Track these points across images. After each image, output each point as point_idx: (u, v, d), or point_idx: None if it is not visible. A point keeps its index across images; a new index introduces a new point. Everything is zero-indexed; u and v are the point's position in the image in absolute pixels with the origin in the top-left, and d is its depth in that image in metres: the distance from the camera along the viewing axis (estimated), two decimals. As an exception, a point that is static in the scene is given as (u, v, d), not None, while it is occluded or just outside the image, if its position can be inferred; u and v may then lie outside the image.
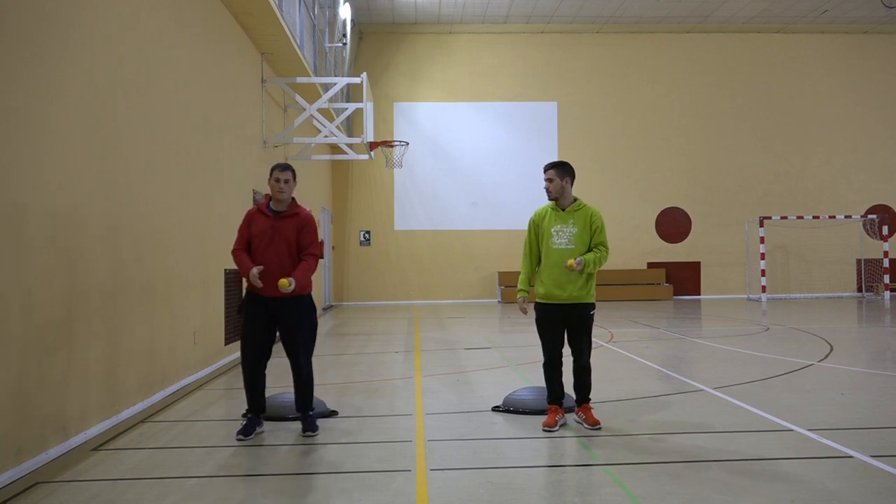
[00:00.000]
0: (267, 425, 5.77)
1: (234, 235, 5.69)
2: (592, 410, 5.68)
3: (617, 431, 5.47)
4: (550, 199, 5.74)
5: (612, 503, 3.95)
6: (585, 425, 5.56)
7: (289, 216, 5.55)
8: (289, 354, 5.65)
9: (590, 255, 5.54)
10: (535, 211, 5.86)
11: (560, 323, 5.65)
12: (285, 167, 5.60)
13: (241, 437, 5.40)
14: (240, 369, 8.57)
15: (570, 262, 5.42)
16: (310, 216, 5.68)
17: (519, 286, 5.89)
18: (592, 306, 5.69)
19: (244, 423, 5.57)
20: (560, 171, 5.69)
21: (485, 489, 4.19)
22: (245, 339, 5.58)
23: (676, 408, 6.32)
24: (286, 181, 5.55)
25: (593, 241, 5.63)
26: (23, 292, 4.63)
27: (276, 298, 5.45)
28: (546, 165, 5.78)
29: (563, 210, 5.69)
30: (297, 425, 5.71)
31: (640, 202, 22.51)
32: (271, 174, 5.57)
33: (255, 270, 5.31)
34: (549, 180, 5.69)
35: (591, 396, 5.73)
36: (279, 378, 7.07)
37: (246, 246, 5.56)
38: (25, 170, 4.69)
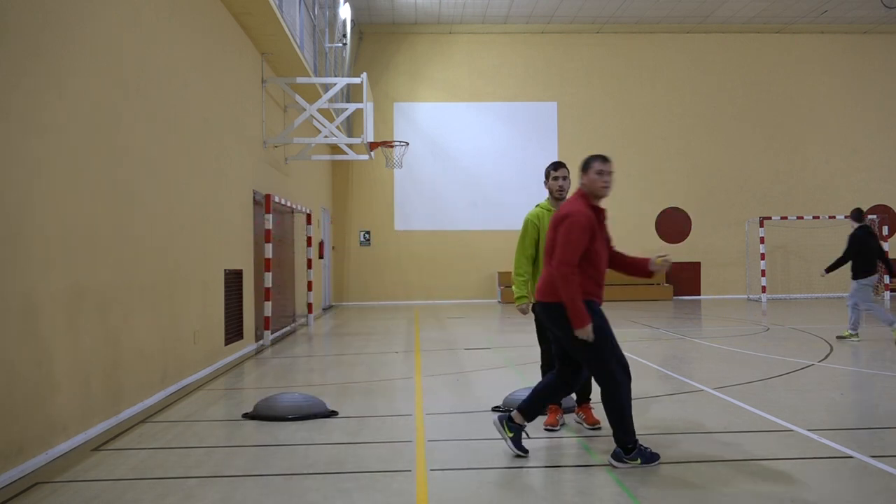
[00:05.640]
0: (267, 425, 5.76)
1: (233, 235, 5.64)
2: (593, 410, 5.68)
3: (617, 431, 5.47)
4: (562, 198, 5.69)
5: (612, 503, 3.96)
6: (585, 425, 5.56)
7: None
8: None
9: None
10: (530, 212, 5.83)
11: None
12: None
13: (520, 453, 4.69)
14: (240, 369, 8.50)
15: None
16: None
17: (520, 293, 5.74)
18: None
19: (515, 435, 4.71)
20: (567, 170, 5.74)
21: (485, 489, 4.20)
22: (615, 347, 4.64)
23: (676, 408, 6.32)
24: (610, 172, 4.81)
25: None
26: (23, 292, 4.63)
27: None
28: (556, 164, 5.78)
29: None
30: (297, 425, 5.70)
31: (640, 202, 22.48)
32: (591, 167, 4.81)
33: (589, 328, 4.46)
34: (563, 178, 5.72)
35: (591, 396, 5.73)
36: (279, 378, 7.08)
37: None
38: (25, 170, 4.69)
